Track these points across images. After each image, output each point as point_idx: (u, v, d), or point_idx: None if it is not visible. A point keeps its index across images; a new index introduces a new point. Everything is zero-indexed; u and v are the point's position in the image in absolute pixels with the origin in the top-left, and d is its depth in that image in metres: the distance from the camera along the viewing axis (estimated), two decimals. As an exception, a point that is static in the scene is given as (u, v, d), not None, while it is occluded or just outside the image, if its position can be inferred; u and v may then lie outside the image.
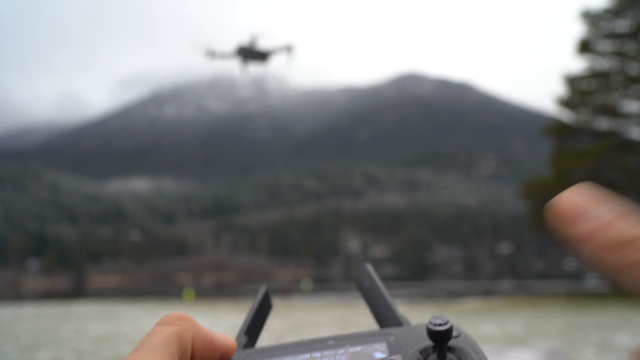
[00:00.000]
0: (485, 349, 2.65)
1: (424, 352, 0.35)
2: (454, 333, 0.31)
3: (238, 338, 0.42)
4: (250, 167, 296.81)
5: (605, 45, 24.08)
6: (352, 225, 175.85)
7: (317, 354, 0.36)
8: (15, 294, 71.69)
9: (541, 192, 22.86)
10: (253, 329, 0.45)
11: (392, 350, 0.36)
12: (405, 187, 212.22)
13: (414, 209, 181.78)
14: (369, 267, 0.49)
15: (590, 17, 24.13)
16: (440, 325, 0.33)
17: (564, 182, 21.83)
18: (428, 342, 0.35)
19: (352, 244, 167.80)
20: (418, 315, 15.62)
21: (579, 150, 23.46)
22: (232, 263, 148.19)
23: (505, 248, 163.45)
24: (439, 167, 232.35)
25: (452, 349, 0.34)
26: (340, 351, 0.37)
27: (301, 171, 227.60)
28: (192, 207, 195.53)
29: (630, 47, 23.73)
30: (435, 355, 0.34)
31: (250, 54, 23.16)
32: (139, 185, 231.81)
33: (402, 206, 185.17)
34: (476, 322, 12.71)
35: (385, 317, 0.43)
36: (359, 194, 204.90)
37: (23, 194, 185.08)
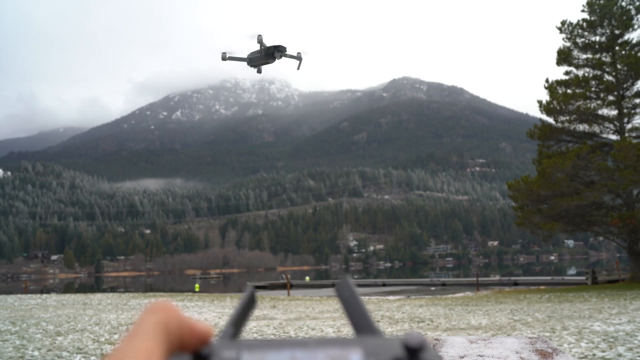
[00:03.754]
0: (473, 338, 2.78)
1: None
2: (424, 349, 0.32)
3: (226, 328, 0.44)
4: (255, 168, 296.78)
5: (583, 55, 24.32)
6: (351, 222, 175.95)
7: (298, 353, 0.37)
8: (39, 285, 71.95)
9: (526, 191, 23.01)
10: (239, 321, 0.46)
11: (367, 356, 0.37)
12: (400, 187, 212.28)
13: (409, 207, 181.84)
14: (349, 280, 0.50)
15: (569, 29, 24.34)
16: (415, 341, 0.36)
17: (546, 181, 22.00)
18: (401, 354, 0.36)
19: (351, 240, 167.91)
20: (411, 307, 15.76)
21: (559, 152, 23.65)
22: (238, 258, 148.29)
23: (493, 243, 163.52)
24: (433, 168, 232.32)
25: None
26: (320, 353, 0.37)
27: (302, 171, 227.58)
28: (199, 205, 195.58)
29: (605, 57, 23.97)
30: None
31: (263, 56, 22.96)
32: (150, 185, 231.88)
33: (397, 205, 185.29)
34: (467, 313, 12.86)
35: (362, 327, 0.45)
36: (357, 193, 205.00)
37: (46, 192, 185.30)
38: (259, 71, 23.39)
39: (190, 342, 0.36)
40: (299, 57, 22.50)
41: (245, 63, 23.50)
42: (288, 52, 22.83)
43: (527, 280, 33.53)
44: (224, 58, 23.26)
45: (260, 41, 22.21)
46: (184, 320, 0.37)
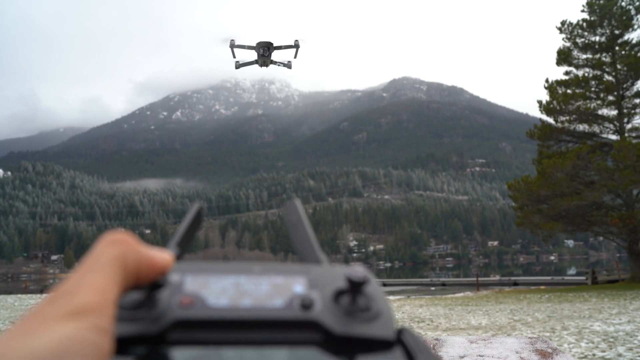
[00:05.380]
0: (473, 338, 2.78)
1: (339, 293, 0.36)
2: (368, 282, 0.35)
3: (171, 248, 0.42)
4: (255, 168, 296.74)
5: (583, 55, 24.34)
6: (351, 222, 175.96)
7: (242, 279, 0.37)
8: (39, 285, 71.86)
9: (526, 191, 23.02)
10: (184, 241, 0.45)
11: (311, 286, 0.37)
12: (400, 187, 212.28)
13: (409, 207, 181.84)
14: (298, 203, 0.49)
15: (568, 29, 24.36)
16: (358, 274, 0.35)
17: (546, 181, 22.01)
18: (344, 285, 0.37)
19: (351, 240, 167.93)
20: (411, 307, 15.76)
21: (559, 152, 23.65)
22: (238, 258, 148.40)
23: (493, 243, 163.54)
24: (433, 168, 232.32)
25: (363, 293, 0.36)
26: (264, 280, 0.37)
27: (302, 171, 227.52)
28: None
29: (605, 57, 23.99)
30: (348, 297, 0.36)
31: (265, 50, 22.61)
32: (150, 185, 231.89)
33: (397, 205, 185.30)
34: (467, 313, 12.87)
35: (307, 254, 0.44)
36: (357, 193, 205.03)
37: (46, 192, 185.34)
38: (289, 66, 23.28)
39: (148, 275, 0.34)
40: (296, 45, 22.30)
41: (257, 66, 23.55)
42: (283, 43, 22.71)
43: (527, 280, 33.51)
44: (237, 67, 23.31)
45: (232, 45, 22.10)
46: (143, 252, 0.35)
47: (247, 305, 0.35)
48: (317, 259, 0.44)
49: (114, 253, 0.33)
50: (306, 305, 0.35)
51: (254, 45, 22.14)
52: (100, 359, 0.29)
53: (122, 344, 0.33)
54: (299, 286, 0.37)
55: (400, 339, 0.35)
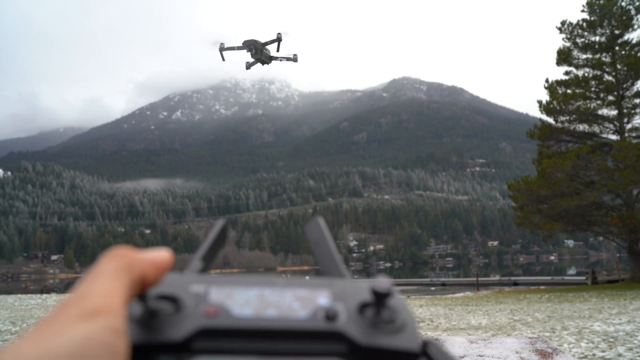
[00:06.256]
0: (473, 338, 2.78)
1: (363, 305, 0.37)
2: (392, 294, 0.35)
3: (194, 263, 0.43)
4: (255, 168, 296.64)
5: (583, 55, 24.34)
6: (351, 222, 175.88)
7: (266, 291, 0.37)
8: (39, 285, 71.87)
9: (526, 191, 23.00)
10: (208, 256, 0.46)
11: (335, 298, 0.37)
12: (400, 187, 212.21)
13: (409, 207, 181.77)
14: (321, 221, 0.50)
15: (569, 29, 24.35)
16: (383, 286, 0.36)
17: (546, 181, 21.99)
18: (368, 297, 0.37)
19: (351, 240, 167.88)
20: (411, 307, 15.74)
21: (559, 152, 23.64)
22: (238, 258, 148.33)
23: (493, 243, 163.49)
24: (433, 168, 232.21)
25: (387, 305, 0.37)
26: (288, 292, 0.37)
27: (302, 171, 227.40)
28: (199, 205, 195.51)
29: (605, 57, 23.98)
30: (373, 309, 0.36)
31: (258, 47, 22.88)
32: (150, 185, 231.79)
33: (397, 205, 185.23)
34: (467, 313, 12.86)
35: (330, 269, 0.46)
36: (357, 193, 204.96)
37: (46, 192, 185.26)
38: (295, 59, 23.58)
39: (155, 276, 0.36)
40: (278, 39, 22.56)
41: (261, 65, 23.92)
42: (266, 40, 23.06)
43: (527, 280, 33.49)
44: (248, 67, 23.75)
45: (221, 49, 22.41)
46: (143, 258, 0.36)
47: (271, 316, 0.35)
48: (340, 274, 0.45)
49: (117, 265, 0.35)
50: (331, 316, 0.35)
51: (241, 45, 22.42)
52: (116, 359, 0.29)
53: (147, 351, 0.33)
54: (323, 298, 0.37)
55: (425, 351, 0.35)
